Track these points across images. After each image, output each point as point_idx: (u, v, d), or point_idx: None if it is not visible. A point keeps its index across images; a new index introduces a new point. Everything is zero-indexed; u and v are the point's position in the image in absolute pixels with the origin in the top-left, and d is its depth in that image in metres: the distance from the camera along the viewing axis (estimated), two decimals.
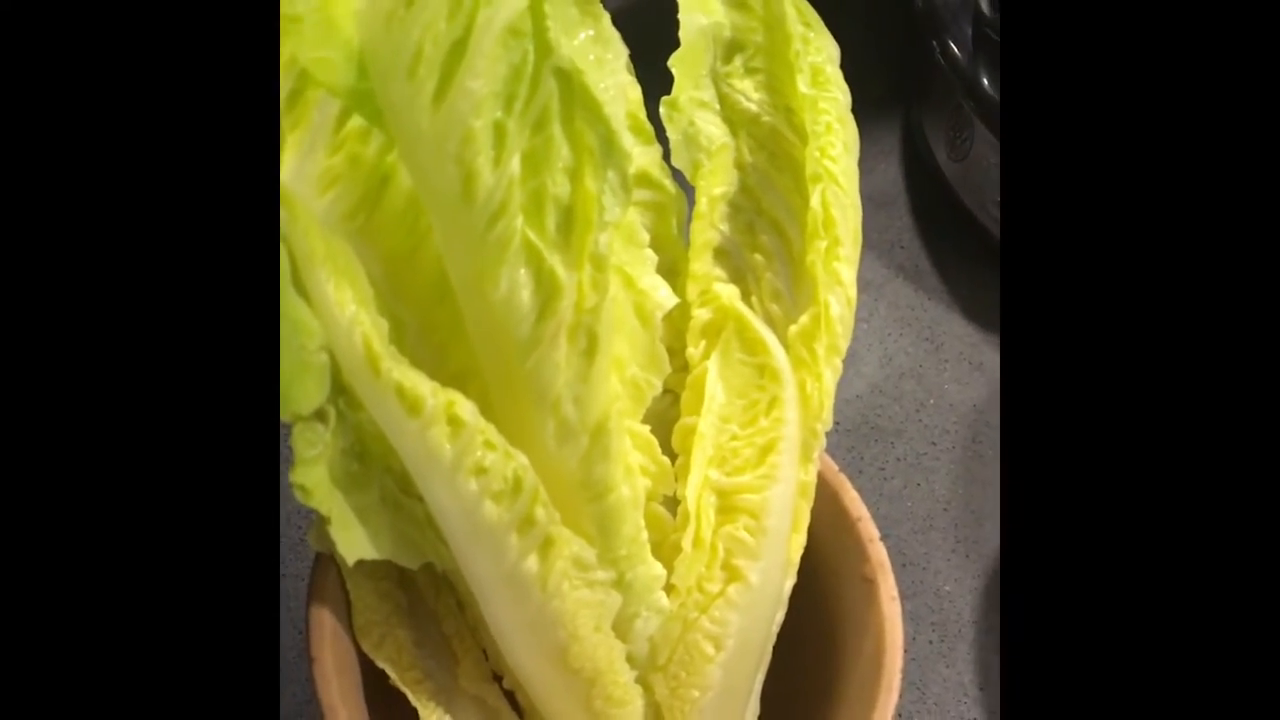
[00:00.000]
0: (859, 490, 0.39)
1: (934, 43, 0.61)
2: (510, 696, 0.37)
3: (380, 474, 0.32)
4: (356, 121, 0.31)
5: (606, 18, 0.30)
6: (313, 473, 0.30)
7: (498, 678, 0.36)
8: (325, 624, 0.34)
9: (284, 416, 0.29)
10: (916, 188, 0.65)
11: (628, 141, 0.30)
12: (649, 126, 0.37)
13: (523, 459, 0.31)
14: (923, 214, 0.65)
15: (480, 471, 0.31)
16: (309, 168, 0.31)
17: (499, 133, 0.29)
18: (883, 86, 0.67)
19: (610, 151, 0.30)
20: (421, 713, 0.34)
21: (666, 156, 0.38)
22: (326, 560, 0.35)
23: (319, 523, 0.33)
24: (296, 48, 0.28)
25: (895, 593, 0.37)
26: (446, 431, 0.30)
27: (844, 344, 0.36)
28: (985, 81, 0.58)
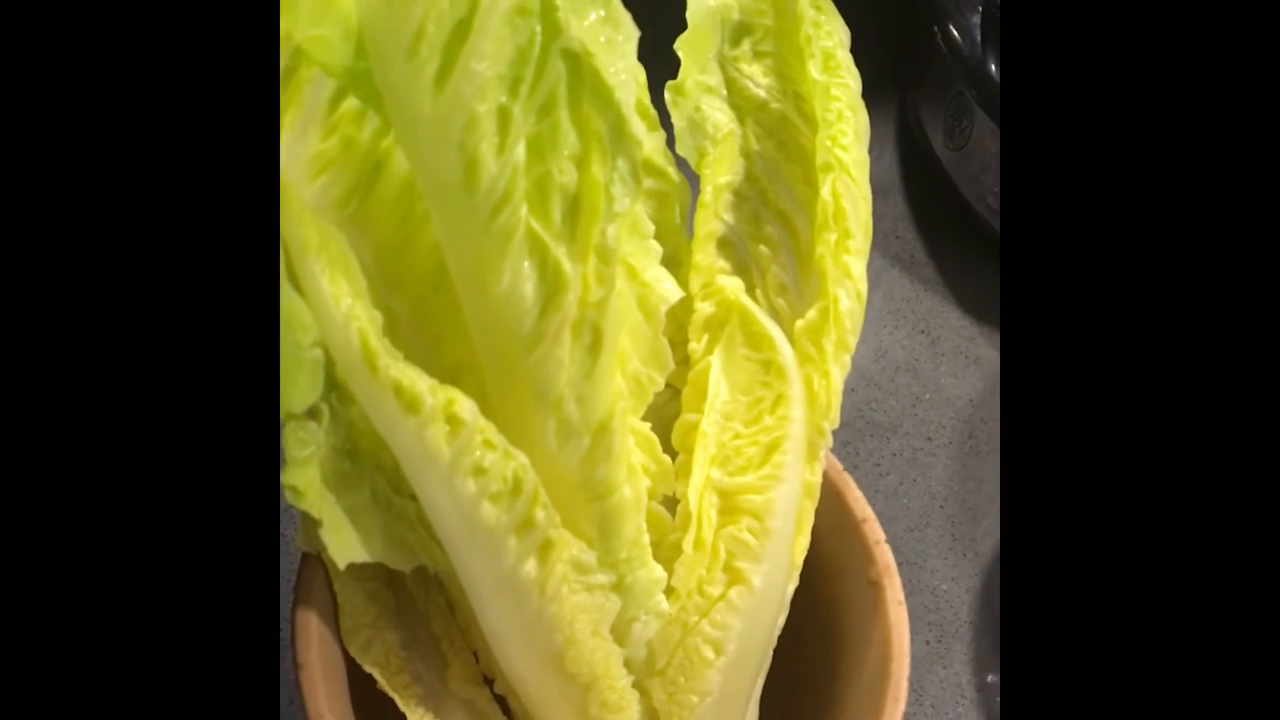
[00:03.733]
0: None
1: (935, 28, 0.60)
2: (501, 701, 0.35)
3: (371, 472, 0.31)
4: (351, 103, 0.30)
5: None
6: (305, 474, 0.28)
7: (489, 681, 0.35)
8: (312, 628, 0.33)
9: None
10: (912, 176, 0.64)
11: (638, 128, 0.28)
12: (653, 112, 0.35)
13: (523, 459, 0.30)
14: (919, 203, 0.64)
15: (479, 472, 0.29)
16: (300, 151, 0.30)
17: (503, 118, 0.27)
18: (876, 71, 0.66)
19: (620, 138, 0.28)
20: (410, 717, 0.33)
21: (670, 143, 0.37)
22: (313, 561, 0.34)
23: (306, 524, 0.31)
24: (292, 24, 0.27)
25: (902, 597, 0.36)
26: (445, 431, 0.29)
27: (853, 340, 0.35)
28: (993, 69, 0.57)
